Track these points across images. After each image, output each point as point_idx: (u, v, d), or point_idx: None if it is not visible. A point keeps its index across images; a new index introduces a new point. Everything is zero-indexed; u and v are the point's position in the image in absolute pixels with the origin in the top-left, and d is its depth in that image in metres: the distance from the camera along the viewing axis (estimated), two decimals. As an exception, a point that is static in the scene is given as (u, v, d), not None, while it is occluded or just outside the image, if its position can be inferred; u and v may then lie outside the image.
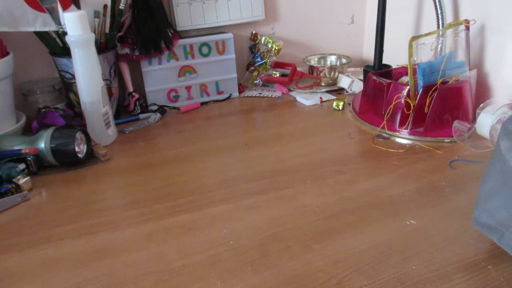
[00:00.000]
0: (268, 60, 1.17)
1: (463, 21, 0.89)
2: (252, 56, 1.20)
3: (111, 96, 0.99)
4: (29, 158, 0.76)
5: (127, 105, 1.07)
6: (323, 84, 1.19)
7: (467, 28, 0.89)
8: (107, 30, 0.96)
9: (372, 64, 1.09)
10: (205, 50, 1.09)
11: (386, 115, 0.90)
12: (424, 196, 0.67)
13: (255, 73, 1.19)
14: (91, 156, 0.84)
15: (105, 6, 0.93)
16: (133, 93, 1.05)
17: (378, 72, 1.00)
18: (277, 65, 1.20)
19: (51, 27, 0.89)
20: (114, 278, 0.53)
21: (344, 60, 1.24)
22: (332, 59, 1.27)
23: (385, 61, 1.08)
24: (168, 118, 1.04)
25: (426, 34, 0.87)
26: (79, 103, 0.87)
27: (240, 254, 0.56)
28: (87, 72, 0.84)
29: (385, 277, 0.51)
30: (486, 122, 0.79)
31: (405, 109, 0.87)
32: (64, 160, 0.79)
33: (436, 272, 0.51)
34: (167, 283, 0.52)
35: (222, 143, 0.89)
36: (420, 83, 0.86)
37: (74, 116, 0.93)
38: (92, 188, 0.74)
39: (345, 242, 0.57)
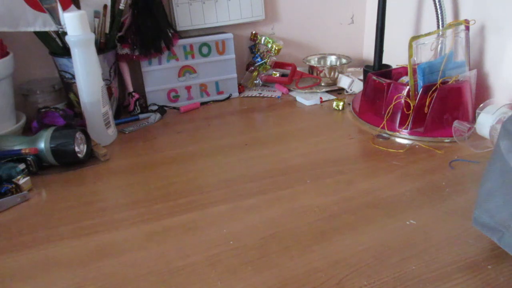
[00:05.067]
0: (268, 60, 1.17)
1: (463, 21, 0.89)
2: (252, 56, 1.20)
3: (111, 96, 0.99)
4: (29, 158, 0.76)
5: (127, 105, 1.08)
6: (323, 84, 1.19)
7: (467, 28, 0.89)
8: (107, 30, 0.96)
9: (372, 64, 1.09)
10: (205, 50, 1.09)
11: (386, 115, 0.90)
12: (424, 196, 0.67)
13: (255, 73, 1.19)
14: (91, 156, 0.84)
15: (105, 6, 0.93)
16: (133, 93, 1.05)
17: (378, 72, 1.00)
18: (277, 65, 1.20)
19: (51, 27, 0.89)
20: (114, 278, 0.53)
21: (344, 60, 1.24)
22: (332, 59, 1.27)
23: (385, 61, 1.08)
24: (168, 118, 1.04)
25: (426, 34, 0.87)
26: (79, 103, 0.87)
27: (240, 254, 0.56)
28: (87, 72, 0.84)
29: (385, 277, 0.51)
30: (486, 122, 0.79)
31: (405, 109, 0.87)
32: (64, 160, 0.79)
33: (436, 272, 0.51)
34: (167, 283, 0.52)
35: (222, 143, 0.89)
36: (420, 83, 0.86)
37: (74, 116, 0.92)
38: (92, 188, 0.74)
39: (345, 242, 0.57)
